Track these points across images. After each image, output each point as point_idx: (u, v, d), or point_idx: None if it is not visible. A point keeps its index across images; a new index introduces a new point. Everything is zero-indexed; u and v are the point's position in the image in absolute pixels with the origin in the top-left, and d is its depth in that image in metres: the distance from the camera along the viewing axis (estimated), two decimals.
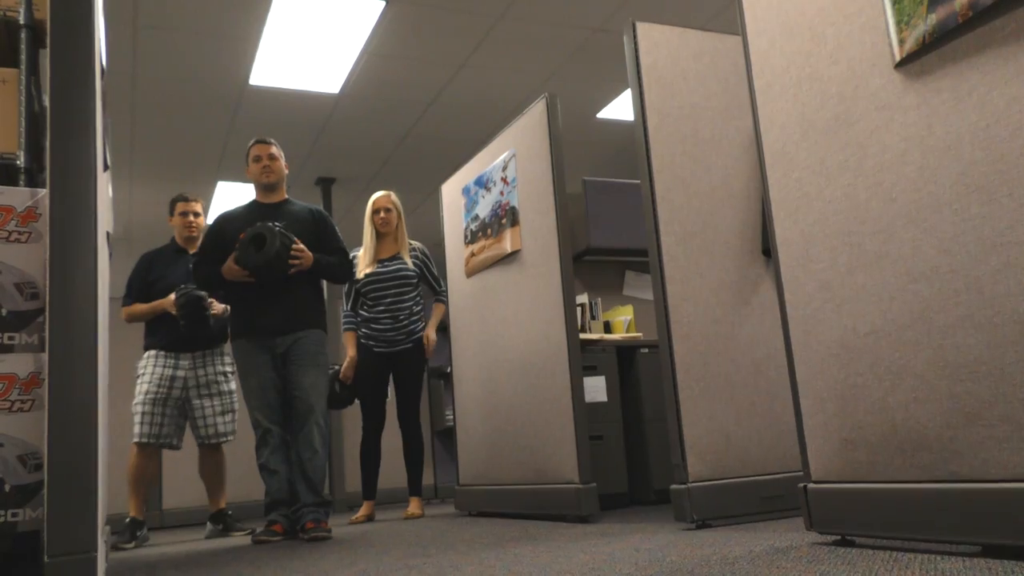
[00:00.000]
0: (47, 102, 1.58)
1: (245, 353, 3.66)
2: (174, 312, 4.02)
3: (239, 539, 4.01)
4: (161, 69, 5.33)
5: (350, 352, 4.45)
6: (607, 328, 4.47)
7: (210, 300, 4.05)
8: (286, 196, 3.88)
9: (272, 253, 3.46)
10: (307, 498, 3.56)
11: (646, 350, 4.15)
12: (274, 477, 3.61)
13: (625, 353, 4.19)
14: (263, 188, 3.80)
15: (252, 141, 3.85)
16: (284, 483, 3.62)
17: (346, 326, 4.52)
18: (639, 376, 4.11)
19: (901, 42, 1.81)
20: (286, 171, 3.89)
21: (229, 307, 4.14)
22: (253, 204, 3.83)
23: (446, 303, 4.60)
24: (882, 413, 1.88)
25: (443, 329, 4.62)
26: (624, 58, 5.79)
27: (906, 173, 1.82)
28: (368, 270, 4.39)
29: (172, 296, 4.05)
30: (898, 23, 1.81)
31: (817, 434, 2.08)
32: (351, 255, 4.06)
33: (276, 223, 3.65)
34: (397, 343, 4.39)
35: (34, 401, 1.48)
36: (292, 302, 3.66)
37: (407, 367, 4.42)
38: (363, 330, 4.43)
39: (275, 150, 3.84)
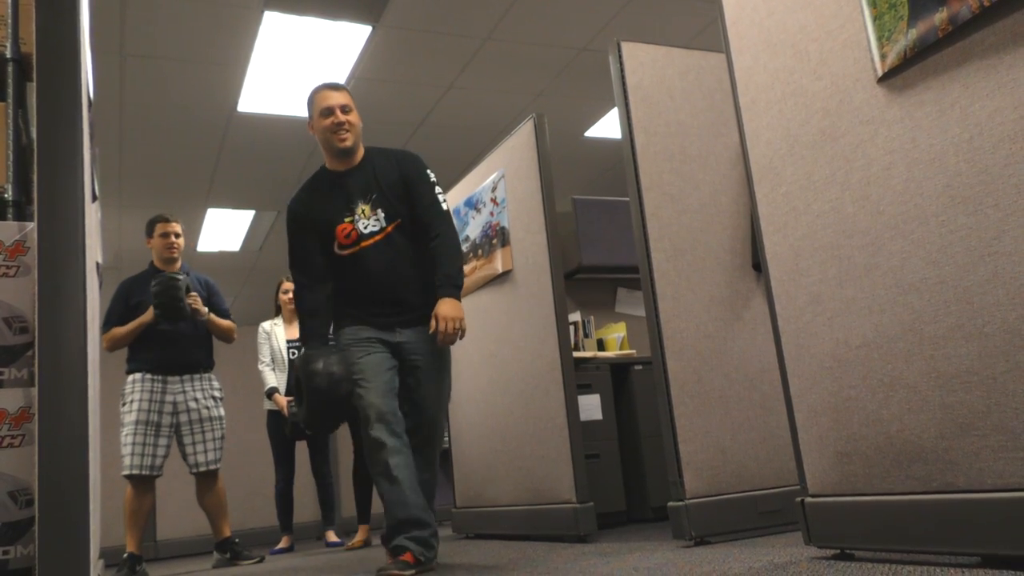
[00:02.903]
0: (35, 134, 1.58)
1: (352, 335, 2.80)
2: (152, 312, 3.97)
3: (248, 568, 3.97)
4: (149, 97, 5.34)
5: None
6: (600, 346, 4.47)
7: (192, 294, 4.00)
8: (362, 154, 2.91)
9: None
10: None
11: (640, 367, 4.15)
12: (397, 487, 2.62)
13: (619, 370, 4.18)
14: (336, 155, 2.87)
15: (317, 87, 2.89)
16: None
17: None
18: (633, 393, 4.11)
19: (883, 57, 1.83)
20: (360, 124, 2.89)
21: (208, 310, 4.12)
22: (324, 175, 2.92)
23: None
24: (876, 425, 1.89)
25: None
26: (610, 76, 5.83)
27: (892, 186, 1.83)
28: None
29: (151, 308, 4.00)
30: (879, 38, 1.83)
31: (812, 447, 2.08)
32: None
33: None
34: None
35: (24, 436, 1.47)
36: (413, 288, 2.84)
37: None
38: None
39: (348, 99, 2.85)
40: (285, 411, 4.66)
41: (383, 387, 2.68)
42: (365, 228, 2.80)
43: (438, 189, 2.86)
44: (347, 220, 2.80)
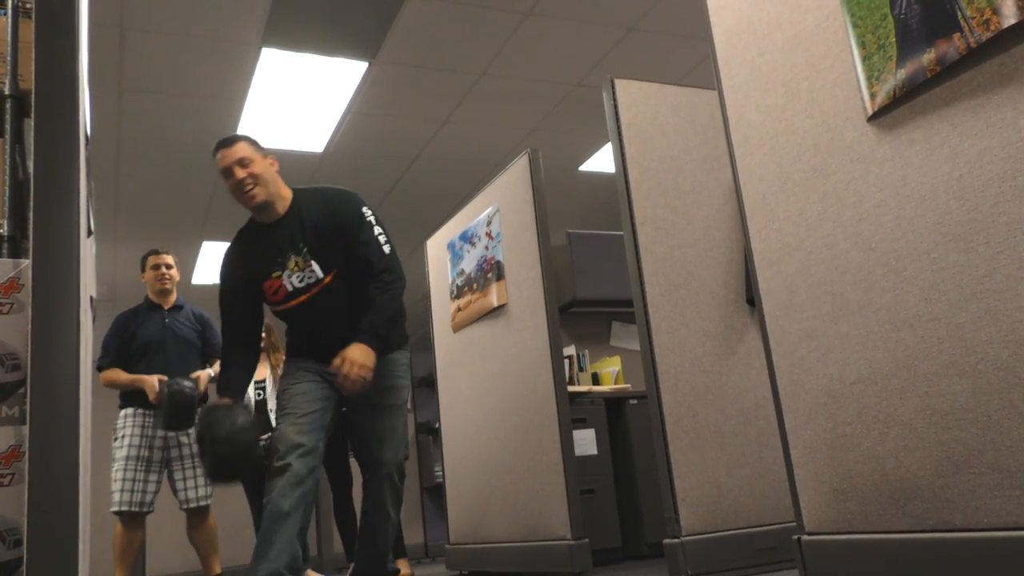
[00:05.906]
0: (32, 170, 1.58)
1: (290, 364, 2.73)
2: (154, 401, 3.86)
3: None
4: (146, 131, 5.37)
5: None
6: (595, 380, 4.46)
7: (203, 389, 3.89)
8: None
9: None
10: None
11: (635, 401, 4.13)
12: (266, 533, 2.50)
13: (614, 404, 4.17)
14: (254, 211, 2.69)
15: (215, 146, 2.71)
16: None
17: None
18: (629, 428, 4.09)
19: (873, 96, 1.85)
20: (272, 170, 2.68)
21: (213, 372, 4.07)
22: (252, 228, 2.75)
23: None
24: (872, 462, 1.88)
25: (430, 384, 4.60)
26: (604, 111, 5.90)
27: (884, 223, 1.85)
28: None
29: (155, 382, 3.90)
30: (869, 78, 1.86)
31: (808, 484, 2.07)
32: None
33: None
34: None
35: (14, 475, 1.46)
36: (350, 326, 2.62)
37: None
38: None
39: (247, 149, 2.64)
40: None
41: (305, 420, 2.49)
42: (299, 282, 2.61)
43: (378, 229, 2.62)
44: (275, 276, 2.62)
